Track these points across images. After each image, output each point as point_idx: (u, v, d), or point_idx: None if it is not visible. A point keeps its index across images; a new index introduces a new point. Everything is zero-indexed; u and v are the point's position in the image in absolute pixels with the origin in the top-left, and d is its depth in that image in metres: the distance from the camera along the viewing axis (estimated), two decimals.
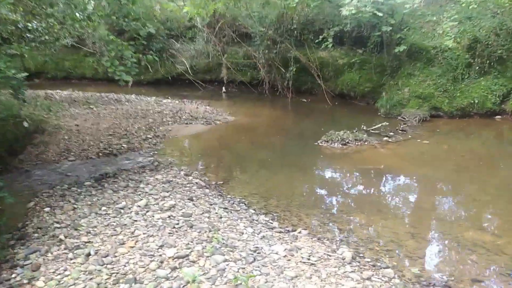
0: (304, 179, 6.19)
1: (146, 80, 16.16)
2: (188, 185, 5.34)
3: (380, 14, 8.67)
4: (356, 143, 7.64)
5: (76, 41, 17.59)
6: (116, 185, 5.34)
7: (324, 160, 7.22)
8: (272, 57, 13.49)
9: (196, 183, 5.43)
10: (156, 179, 5.51)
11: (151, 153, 7.09)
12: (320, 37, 11.03)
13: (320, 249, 3.80)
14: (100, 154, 6.97)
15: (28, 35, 12.33)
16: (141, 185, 5.22)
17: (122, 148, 7.24)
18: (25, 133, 7.27)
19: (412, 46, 10.71)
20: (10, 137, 6.81)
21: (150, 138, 7.79)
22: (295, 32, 13.42)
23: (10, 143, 6.79)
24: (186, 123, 8.99)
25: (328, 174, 6.49)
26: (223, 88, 14.64)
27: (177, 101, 11.74)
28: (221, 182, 5.66)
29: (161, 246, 3.54)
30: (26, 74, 4.66)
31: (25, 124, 4.98)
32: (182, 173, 5.89)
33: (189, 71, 15.26)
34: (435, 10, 11.64)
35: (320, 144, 7.68)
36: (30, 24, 12.28)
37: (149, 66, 16.04)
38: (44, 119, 7.69)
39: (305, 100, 12.69)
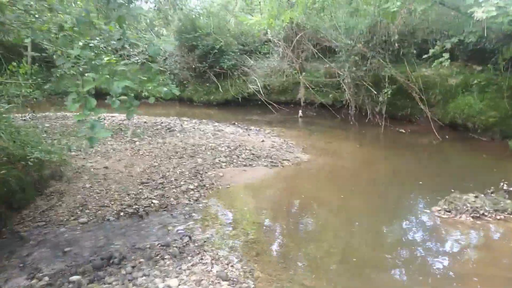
0: None
1: (215, 100, 14.65)
2: None
3: None
4: (497, 216, 4.84)
5: (146, 58, 16.85)
6: None
7: (449, 253, 4.48)
8: (361, 76, 10.97)
9: None
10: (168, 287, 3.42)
11: (187, 216, 5.09)
12: (431, 51, 8.23)
13: None
14: (122, 213, 5.17)
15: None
16: None
17: (152, 205, 5.35)
18: (37, 180, 5.75)
19: None
20: (14, 186, 5.31)
21: (193, 189, 5.82)
22: (392, 45, 10.72)
23: (13, 194, 5.28)
24: (245, 165, 6.90)
25: None
26: (300, 111, 12.40)
27: (241, 130, 9.76)
28: None
29: None
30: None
31: None
32: (214, 270, 3.73)
33: (261, 91, 13.32)
34: None
35: (437, 213, 5.02)
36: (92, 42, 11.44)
37: (219, 86, 14.52)
38: (66, 160, 6.14)
39: (403, 131, 9.90)
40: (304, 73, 12.82)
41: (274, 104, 13.21)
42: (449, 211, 4.92)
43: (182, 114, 12.95)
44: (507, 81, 8.60)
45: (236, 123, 10.95)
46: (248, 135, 9.08)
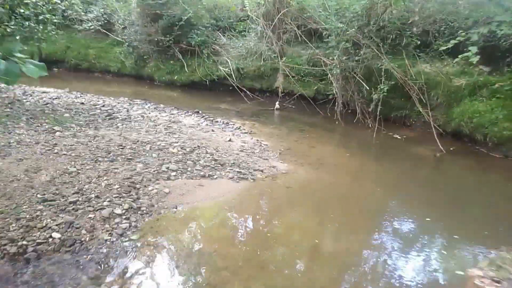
0: None
1: (180, 81, 12.60)
2: None
3: None
4: None
5: (102, 25, 14.43)
6: None
7: None
8: (351, 67, 9.26)
9: None
10: None
11: (100, 268, 3.24)
12: (452, 42, 6.59)
13: None
14: None
15: (23, 11, 9.23)
16: None
17: (50, 241, 3.45)
18: None
19: None
20: None
21: (120, 215, 3.94)
22: (391, 33, 9.08)
23: None
24: (203, 176, 5.06)
25: None
26: (277, 103, 10.60)
27: (204, 122, 7.86)
28: None
29: None
30: None
31: None
32: None
33: (234, 75, 11.41)
34: None
35: (478, 281, 3.39)
36: None
37: (185, 64, 12.46)
38: None
39: (398, 137, 8.32)
40: (284, 58, 11.00)
41: (247, 92, 11.34)
42: (498, 282, 3.30)
43: (138, 95, 10.91)
44: None
45: (200, 111, 9.02)
46: (212, 130, 7.18)
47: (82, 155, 4.92)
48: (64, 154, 4.85)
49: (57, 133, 5.54)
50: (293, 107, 10.69)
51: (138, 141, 5.70)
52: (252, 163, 5.75)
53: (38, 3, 9.16)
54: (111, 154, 5.13)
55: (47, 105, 7.10)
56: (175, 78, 12.69)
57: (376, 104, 8.50)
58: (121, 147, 5.39)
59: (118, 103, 8.36)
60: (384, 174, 6.30)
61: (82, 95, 8.87)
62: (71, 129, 5.83)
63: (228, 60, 11.68)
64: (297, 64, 10.91)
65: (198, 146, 5.95)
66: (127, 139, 5.74)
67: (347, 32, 9.21)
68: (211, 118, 8.37)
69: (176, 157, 5.39)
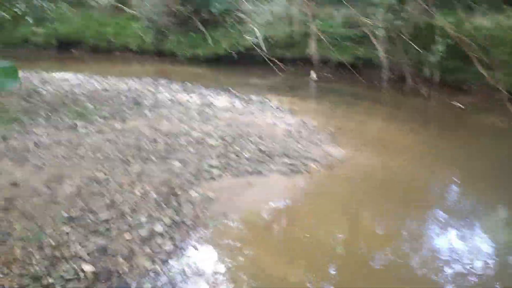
0: None
1: (204, 56, 11.74)
2: None
3: None
4: None
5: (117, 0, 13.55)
6: None
7: None
8: (398, 26, 8.14)
9: None
10: None
11: None
12: None
13: None
14: None
15: None
16: None
17: (81, 276, 2.80)
18: None
19: None
20: None
21: (161, 234, 3.25)
22: None
23: None
24: (250, 172, 4.30)
25: None
26: (312, 72, 9.62)
27: (239, 103, 7.03)
28: None
29: None
30: None
31: None
32: None
33: (262, 45, 10.43)
34: None
35: None
36: None
37: (208, 36, 11.55)
38: None
39: (459, 105, 7.29)
40: (317, 21, 9.91)
41: (278, 62, 10.38)
42: None
43: (161, 73, 10.13)
44: None
45: (230, 89, 8.18)
46: (251, 113, 6.36)
47: (110, 156, 4.22)
48: (90, 155, 4.17)
49: (81, 129, 4.86)
50: (331, 76, 9.72)
51: (171, 133, 4.96)
52: (302, 151, 4.95)
53: None
54: (142, 151, 4.42)
55: (68, 95, 6.42)
56: (199, 52, 11.82)
57: (432, 68, 7.44)
58: (153, 141, 4.67)
59: (143, 85, 7.63)
60: (456, 156, 5.32)
61: (104, 79, 8.17)
62: (96, 123, 5.14)
63: (255, 28, 10.67)
64: (331, 27, 9.82)
65: (239, 134, 5.17)
66: (158, 130, 5.01)
67: None
68: (245, 97, 7.54)
69: (216, 151, 4.64)
